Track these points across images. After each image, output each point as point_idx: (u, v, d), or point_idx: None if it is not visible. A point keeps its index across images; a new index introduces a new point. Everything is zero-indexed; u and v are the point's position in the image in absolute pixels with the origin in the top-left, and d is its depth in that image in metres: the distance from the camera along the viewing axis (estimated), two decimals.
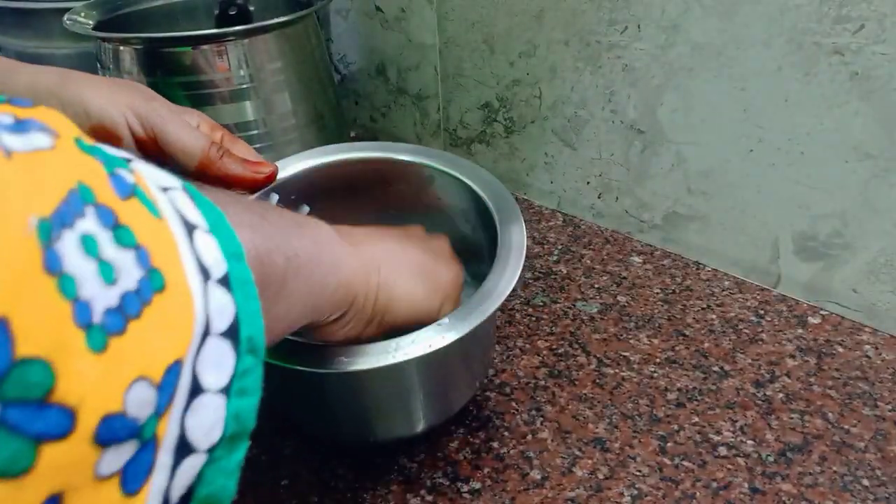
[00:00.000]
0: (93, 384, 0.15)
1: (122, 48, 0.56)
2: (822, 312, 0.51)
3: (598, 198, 0.63)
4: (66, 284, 0.14)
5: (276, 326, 0.24)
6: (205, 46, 0.54)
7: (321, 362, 0.32)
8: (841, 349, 0.48)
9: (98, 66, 0.59)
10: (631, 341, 0.49)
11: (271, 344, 0.23)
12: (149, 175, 0.19)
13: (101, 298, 0.15)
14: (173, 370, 0.17)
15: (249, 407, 0.20)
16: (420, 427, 0.40)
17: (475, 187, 0.43)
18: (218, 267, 0.19)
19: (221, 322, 0.19)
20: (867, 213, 0.47)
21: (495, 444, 0.42)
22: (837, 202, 0.48)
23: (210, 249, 0.19)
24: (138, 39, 0.56)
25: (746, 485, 0.39)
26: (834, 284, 0.51)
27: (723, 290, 0.54)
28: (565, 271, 0.57)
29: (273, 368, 0.32)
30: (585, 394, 0.45)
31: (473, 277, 0.45)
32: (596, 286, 0.55)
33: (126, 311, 0.16)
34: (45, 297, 0.14)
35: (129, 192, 0.17)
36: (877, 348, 0.48)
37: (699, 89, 0.52)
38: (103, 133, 0.36)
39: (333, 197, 0.47)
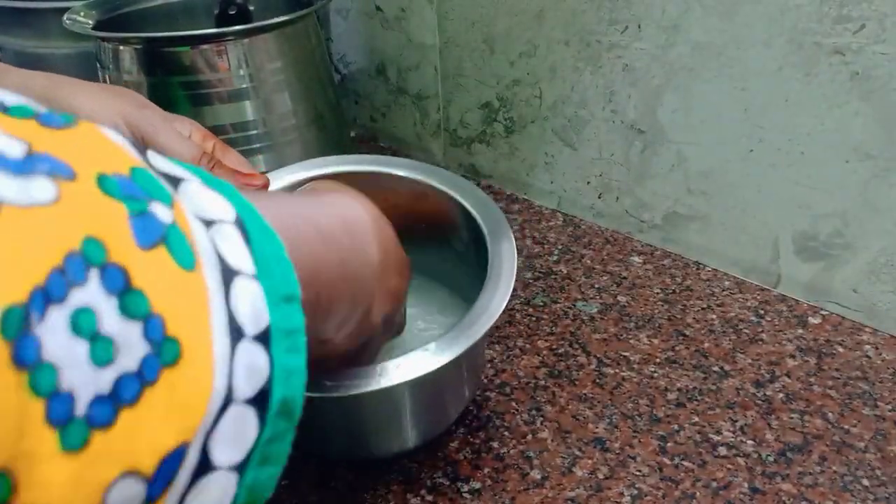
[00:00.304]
0: (62, 491, 0.13)
1: (121, 48, 0.56)
2: (822, 312, 0.51)
3: (599, 198, 0.63)
4: (41, 376, 0.13)
5: None
6: (204, 46, 0.54)
7: (307, 386, 0.32)
8: (841, 349, 0.48)
9: (98, 65, 0.59)
10: (631, 341, 0.49)
11: None
12: (194, 204, 0.17)
13: (89, 386, 0.13)
14: (174, 456, 0.15)
15: (270, 477, 0.18)
16: (412, 444, 0.40)
17: (467, 206, 0.43)
18: (257, 321, 0.17)
19: (249, 387, 0.17)
20: (868, 213, 0.47)
21: (495, 444, 0.42)
22: (838, 202, 0.48)
23: (250, 300, 0.17)
24: (138, 39, 0.56)
25: (746, 485, 0.39)
26: (834, 284, 0.51)
27: (723, 290, 0.54)
28: (565, 271, 0.57)
29: None
30: (585, 394, 0.45)
31: (465, 298, 0.45)
32: (596, 286, 0.55)
33: (119, 398, 0.14)
34: (8, 397, 0.12)
35: (158, 237, 0.15)
36: (877, 348, 0.48)
37: (699, 89, 0.52)
38: None
39: None
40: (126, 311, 0.14)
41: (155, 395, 0.15)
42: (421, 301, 0.48)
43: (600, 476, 0.39)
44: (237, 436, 0.17)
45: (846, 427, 0.42)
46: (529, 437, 0.42)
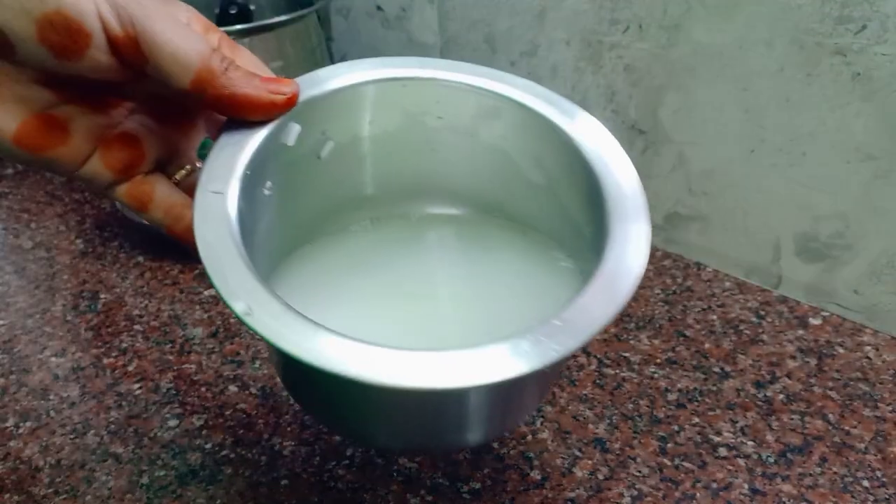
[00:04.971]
0: None
1: None
2: (823, 313, 0.51)
3: None
4: None
5: None
6: None
7: (379, 373, 0.22)
8: (842, 350, 0.48)
9: None
10: (631, 342, 0.49)
11: None
12: None
13: None
14: None
15: None
16: (478, 440, 0.32)
17: (562, 126, 0.31)
18: None
19: None
20: (869, 213, 0.47)
21: (495, 445, 0.42)
22: (839, 203, 0.48)
23: None
24: None
25: (746, 486, 0.39)
26: (835, 285, 0.51)
27: (724, 291, 0.54)
28: None
29: (311, 370, 0.22)
30: (586, 394, 0.45)
31: (558, 248, 0.34)
32: None
33: None
34: None
35: None
36: (877, 349, 0.48)
37: (701, 90, 0.52)
38: (63, 26, 0.24)
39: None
40: None
41: None
42: (491, 255, 0.35)
43: (600, 477, 0.39)
44: None
45: (846, 428, 0.42)
46: (529, 437, 0.42)
